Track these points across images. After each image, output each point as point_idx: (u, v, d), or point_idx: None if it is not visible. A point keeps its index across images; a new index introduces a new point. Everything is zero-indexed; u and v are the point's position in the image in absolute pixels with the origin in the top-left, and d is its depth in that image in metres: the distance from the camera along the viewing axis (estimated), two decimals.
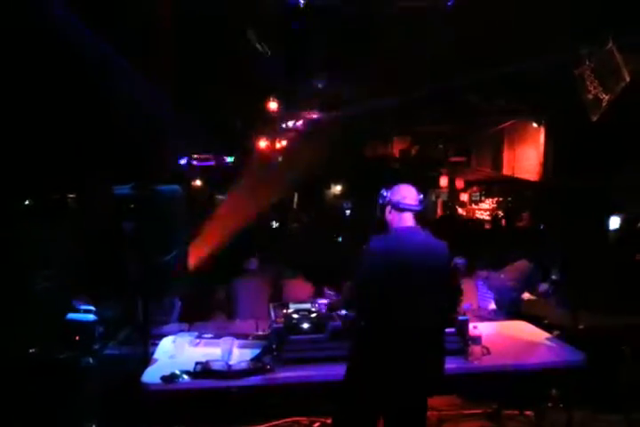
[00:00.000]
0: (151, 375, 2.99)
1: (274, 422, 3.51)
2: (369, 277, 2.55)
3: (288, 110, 10.43)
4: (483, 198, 12.21)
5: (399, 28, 5.56)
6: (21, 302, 3.72)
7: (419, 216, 2.63)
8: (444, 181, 12.59)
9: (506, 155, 10.76)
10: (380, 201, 2.66)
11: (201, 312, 4.68)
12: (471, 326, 3.13)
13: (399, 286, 2.50)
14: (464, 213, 12.45)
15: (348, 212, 13.09)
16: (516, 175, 10.12)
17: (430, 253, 2.54)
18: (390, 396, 2.53)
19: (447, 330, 2.79)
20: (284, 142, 11.74)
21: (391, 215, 2.63)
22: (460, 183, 12.64)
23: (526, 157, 9.83)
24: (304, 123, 11.08)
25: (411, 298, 2.51)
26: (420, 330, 2.53)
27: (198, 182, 15.56)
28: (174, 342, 3.42)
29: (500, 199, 11.22)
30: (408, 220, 2.60)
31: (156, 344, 3.54)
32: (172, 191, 3.29)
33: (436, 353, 2.58)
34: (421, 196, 2.65)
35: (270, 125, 11.04)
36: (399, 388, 2.51)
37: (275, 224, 9.90)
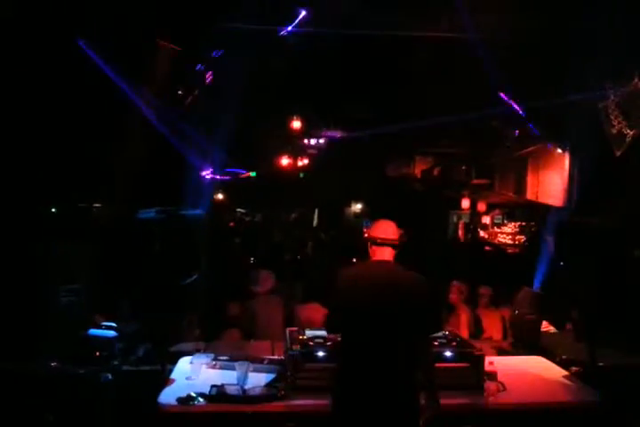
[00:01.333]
0: (168, 396, 3.03)
1: None
2: (335, 306, 2.74)
3: (311, 129, 10.58)
4: (505, 222, 12.09)
5: (427, 57, 5.65)
6: (47, 314, 3.82)
7: (397, 250, 2.78)
8: (465, 203, 12.53)
9: (529, 179, 10.66)
10: (363, 237, 2.84)
11: (216, 329, 4.73)
12: (487, 361, 3.11)
13: (359, 317, 2.63)
14: (486, 236, 12.33)
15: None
16: (539, 200, 10.02)
17: (394, 287, 2.65)
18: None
19: (462, 365, 2.80)
20: (306, 161, 11.90)
21: (371, 250, 2.80)
22: (482, 206, 12.55)
23: (550, 182, 9.74)
24: (326, 142, 11.20)
25: (369, 331, 2.62)
26: (380, 362, 2.59)
27: (220, 196, 15.80)
28: (191, 362, 3.47)
29: (524, 223, 11.09)
30: (386, 254, 2.76)
31: (174, 363, 3.59)
32: (196, 216, 3.37)
33: (401, 388, 2.58)
34: (401, 231, 2.80)
35: (293, 144, 11.19)
36: (369, 421, 2.55)
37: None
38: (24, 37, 4.33)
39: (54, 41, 4.58)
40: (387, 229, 2.77)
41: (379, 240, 2.74)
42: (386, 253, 2.76)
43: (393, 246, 2.76)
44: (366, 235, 2.81)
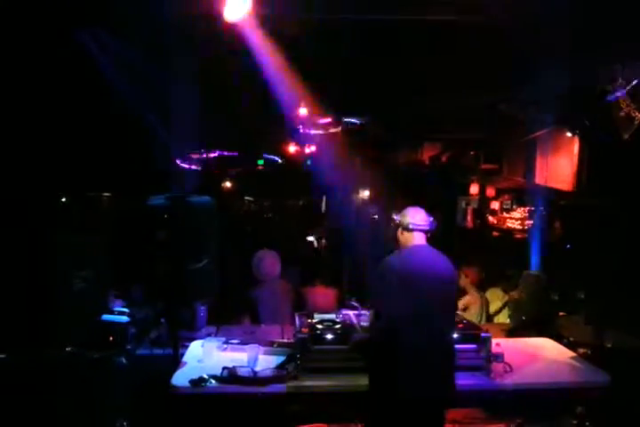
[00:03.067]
0: (180, 378, 3.12)
1: None
2: (386, 295, 2.75)
3: (319, 115, 10.51)
4: (514, 207, 12.03)
5: (430, 39, 5.58)
6: (61, 301, 3.90)
7: (428, 235, 2.89)
8: (474, 189, 12.45)
9: (538, 164, 10.57)
10: (392, 224, 2.92)
11: (228, 315, 4.80)
12: (494, 342, 3.15)
13: (414, 301, 2.69)
14: (495, 222, 12.29)
15: (375, 217, 13.07)
16: (548, 185, 9.95)
17: (440, 269, 2.78)
18: (408, 408, 2.66)
19: (469, 346, 2.87)
20: (314, 148, 11.87)
21: (403, 236, 2.89)
22: (490, 191, 12.47)
23: (559, 167, 9.66)
24: (335, 129, 11.15)
25: (425, 313, 2.70)
26: (433, 344, 2.70)
27: (228, 184, 15.84)
28: (203, 346, 3.54)
29: (532, 208, 11.03)
30: (419, 239, 2.88)
31: (186, 346, 3.67)
32: (204, 202, 3.40)
33: (447, 367, 2.75)
34: (431, 217, 2.90)
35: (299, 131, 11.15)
36: (415, 401, 2.65)
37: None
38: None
39: (50, 31, 4.56)
40: (417, 216, 2.88)
41: (411, 226, 2.84)
42: (419, 239, 2.87)
43: (425, 232, 2.87)
44: (399, 222, 2.89)
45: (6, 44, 4.25)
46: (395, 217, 2.91)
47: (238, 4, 3.71)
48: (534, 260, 3.97)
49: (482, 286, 5.21)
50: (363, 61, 6.63)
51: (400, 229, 2.90)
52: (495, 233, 11.36)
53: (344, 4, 4.73)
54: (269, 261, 4.86)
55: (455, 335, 3.12)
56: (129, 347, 3.76)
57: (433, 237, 2.95)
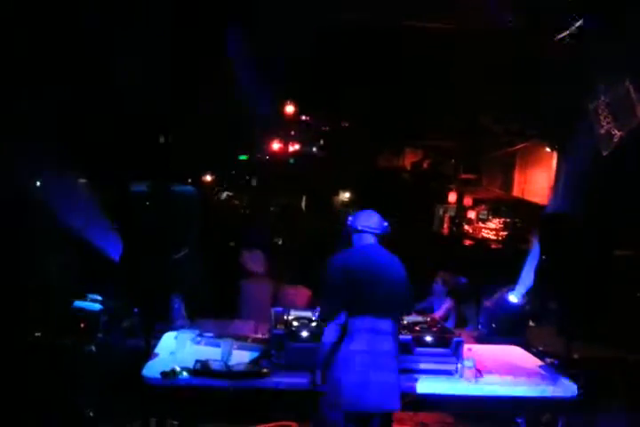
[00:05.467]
0: (151, 369, 3.08)
1: (264, 426, 3.58)
2: (333, 291, 2.83)
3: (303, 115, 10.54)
4: (490, 217, 12.23)
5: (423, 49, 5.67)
6: (36, 285, 3.83)
7: (380, 238, 2.96)
8: (452, 197, 12.64)
9: (517, 176, 10.78)
10: (347, 225, 3.00)
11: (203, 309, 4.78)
12: (466, 347, 3.21)
13: (361, 297, 2.77)
14: (470, 231, 12.48)
15: None
16: (525, 197, 10.15)
17: (386, 268, 2.85)
18: (355, 405, 2.71)
19: (441, 350, 2.92)
20: (297, 146, 11.91)
21: (354, 237, 2.98)
22: (468, 200, 12.67)
23: (537, 180, 9.86)
24: (319, 129, 11.21)
25: (371, 309, 2.77)
26: (379, 339, 2.75)
27: (208, 178, 15.69)
28: (176, 338, 3.51)
29: (508, 220, 11.25)
30: (368, 239, 2.94)
31: (158, 338, 3.62)
32: (187, 192, 3.39)
33: (391, 365, 2.77)
34: (385, 222, 2.98)
35: (285, 128, 11.17)
36: (362, 397, 2.69)
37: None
38: None
39: None
40: (369, 220, 2.95)
41: (360, 228, 2.92)
42: (368, 239, 2.93)
43: (374, 234, 2.93)
44: (350, 223, 2.96)
45: None
46: (349, 219, 2.99)
47: None
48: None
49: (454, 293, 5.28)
50: (351, 65, 6.67)
51: (352, 231, 2.97)
52: (469, 242, 11.54)
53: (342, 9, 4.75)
54: (257, 257, 4.91)
55: (428, 338, 3.18)
56: (100, 335, 3.70)
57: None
